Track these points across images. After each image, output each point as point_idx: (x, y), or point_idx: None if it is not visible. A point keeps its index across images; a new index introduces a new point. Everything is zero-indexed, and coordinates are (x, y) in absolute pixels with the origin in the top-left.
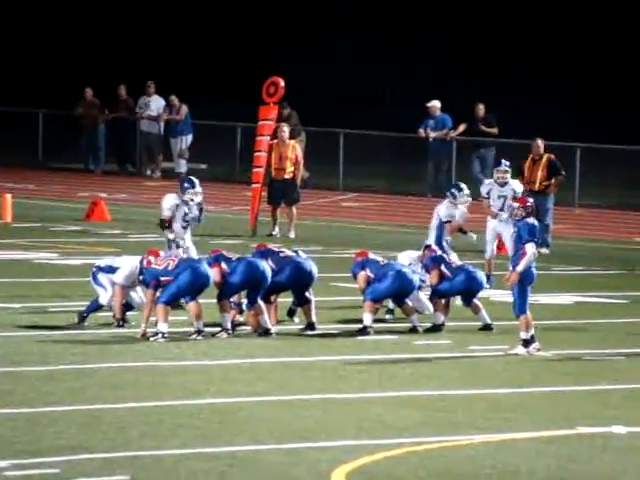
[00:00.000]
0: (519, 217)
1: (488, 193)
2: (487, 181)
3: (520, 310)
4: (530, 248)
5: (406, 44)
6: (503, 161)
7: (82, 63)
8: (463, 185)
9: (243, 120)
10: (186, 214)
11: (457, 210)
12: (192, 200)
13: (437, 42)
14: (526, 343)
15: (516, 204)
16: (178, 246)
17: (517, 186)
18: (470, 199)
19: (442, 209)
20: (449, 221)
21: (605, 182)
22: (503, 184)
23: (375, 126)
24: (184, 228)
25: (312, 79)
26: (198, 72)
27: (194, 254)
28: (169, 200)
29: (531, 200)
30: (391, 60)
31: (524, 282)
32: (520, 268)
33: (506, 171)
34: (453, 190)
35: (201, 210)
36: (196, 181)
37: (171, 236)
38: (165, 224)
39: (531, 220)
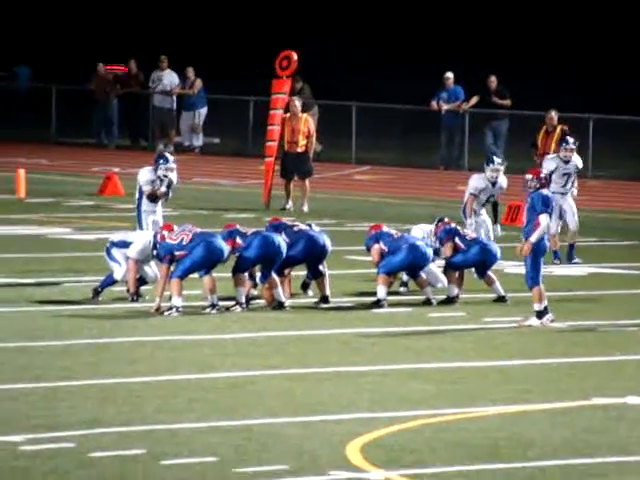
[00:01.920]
0: (533, 189)
1: (553, 170)
2: (551, 156)
3: (533, 282)
4: (544, 219)
5: (419, 17)
6: (495, 158)
7: (94, 38)
8: (495, 157)
9: (256, 94)
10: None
11: (485, 182)
12: (165, 176)
13: (451, 15)
14: (540, 314)
15: (529, 176)
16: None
17: (579, 161)
18: (500, 168)
19: (471, 180)
20: (473, 194)
21: (618, 153)
22: (567, 161)
23: (388, 99)
24: (153, 202)
25: (325, 52)
26: (211, 46)
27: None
28: (144, 174)
29: (545, 171)
30: (404, 33)
31: (537, 253)
32: (534, 239)
33: (572, 149)
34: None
35: (169, 186)
36: (170, 157)
37: (144, 208)
38: (154, 197)
39: (545, 191)
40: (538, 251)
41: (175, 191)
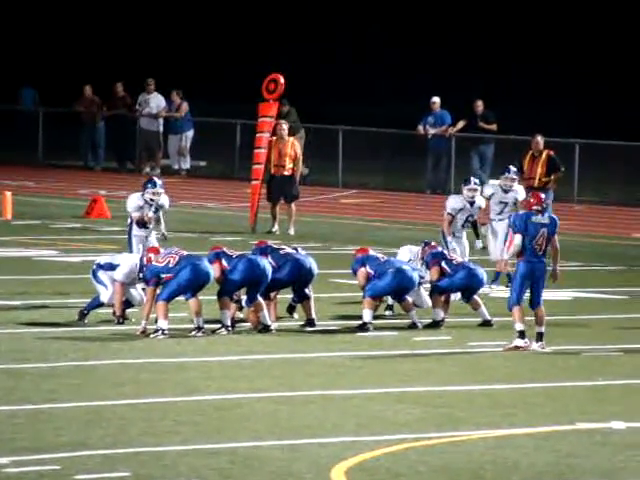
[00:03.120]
0: (527, 208)
1: (490, 196)
2: (493, 182)
3: (511, 302)
4: (517, 238)
5: (406, 40)
6: (511, 167)
7: (81, 60)
8: (472, 177)
9: (242, 117)
10: (157, 210)
11: (463, 202)
12: (152, 200)
13: (437, 39)
14: (522, 334)
15: (533, 199)
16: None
17: (521, 193)
18: (477, 187)
19: (449, 201)
20: (450, 214)
21: (604, 178)
22: (506, 190)
23: (374, 123)
24: (143, 227)
25: (311, 76)
26: (198, 69)
27: None
28: (133, 200)
29: (543, 196)
30: (391, 57)
31: (518, 274)
32: (506, 256)
33: (513, 179)
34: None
35: (157, 210)
36: (158, 182)
37: (143, 233)
38: (141, 224)
39: (526, 212)
40: (523, 273)
41: (167, 215)
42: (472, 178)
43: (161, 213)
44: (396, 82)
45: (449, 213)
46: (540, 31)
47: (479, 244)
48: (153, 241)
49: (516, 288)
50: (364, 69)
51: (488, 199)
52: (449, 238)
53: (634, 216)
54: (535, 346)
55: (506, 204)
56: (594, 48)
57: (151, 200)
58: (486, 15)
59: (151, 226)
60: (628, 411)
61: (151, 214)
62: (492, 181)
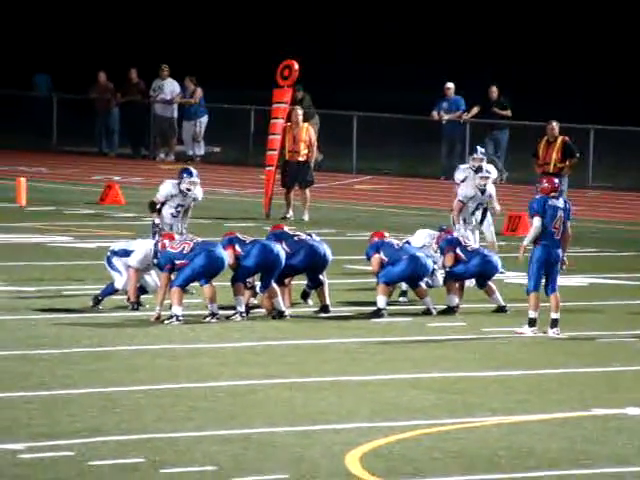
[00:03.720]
0: (543, 193)
1: (463, 180)
2: (463, 167)
3: (528, 288)
4: (535, 222)
5: (422, 27)
6: (479, 148)
7: (96, 47)
8: (483, 166)
9: (257, 103)
10: (179, 205)
11: (474, 190)
12: (189, 190)
13: (453, 25)
14: (532, 322)
15: (548, 184)
16: (160, 232)
17: (492, 172)
18: (489, 175)
19: (460, 188)
20: (461, 201)
21: (618, 164)
22: (478, 170)
23: (389, 109)
24: (174, 217)
25: (326, 63)
26: (212, 55)
27: None
28: (167, 187)
29: (557, 180)
30: (405, 43)
31: (534, 260)
32: (525, 242)
33: (481, 159)
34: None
35: (193, 199)
36: (194, 171)
37: (157, 220)
38: (155, 207)
39: (543, 196)
40: (539, 258)
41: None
42: (483, 166)
43: (190, 207)
44: (411, 68)
45: (460, 200)
46: (557, 20)
47: (483, 228)
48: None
49: (534, 273)
50: (379, 56)
51: (458, 184)
52: (458, 226)
53: None
54: (550, 332)
55: None
56: (607, 37)
57: (187, 190)
58: (501, 2)
59: (179, 215)
60: None
61: (190, 203)
62: (463, 165)
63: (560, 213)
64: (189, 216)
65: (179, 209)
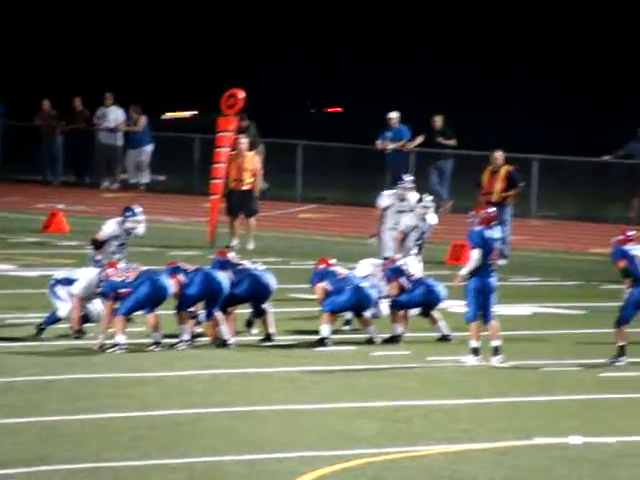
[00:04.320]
0: (473, 225)
1: (386, 207)
2: (387, 193)
3: (469, 317)
4: (474, 254)
5: (364, 57)
6: (404, 176)
7: (40, 75)
8: (423, 196)
9: (202, 132)
10: (122, 243)
11: (414, 219)
12: (133, 228)
13: (395, 53)
14: (475, 351)
15: (486, 215)
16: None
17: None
18: (429, 205)
19: (402, 219)
20: (403, 231)
21: (562, 194)
22: (403, 199)
23: (333, 137)
24: (114, 253)
25: (271, 90)
26: (157, 84)
27: None
28: (110, 226)
29: (493, 210)
30: (349, 72)
31: (473, 289)
32: (463, 272)
33: (408, 187)
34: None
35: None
36: (138, 209)
37: (98, 257)
38: (97, 244)
39: (482, 228)
40: (475, 287)
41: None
42: (424, 196)
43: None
44: (355, 96)
45: (402, 231)
46: (501, 50)
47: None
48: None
49: (472, 302)
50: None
51: (385, 209)
52: (399, 255)
53: (591, 231)
54: (494, 360)
55: (403, 212)
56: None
57: (131, 228)
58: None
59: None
60: (586, 426)
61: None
62: (386, 192)
63: (498, 244)
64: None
65: (121, 247)
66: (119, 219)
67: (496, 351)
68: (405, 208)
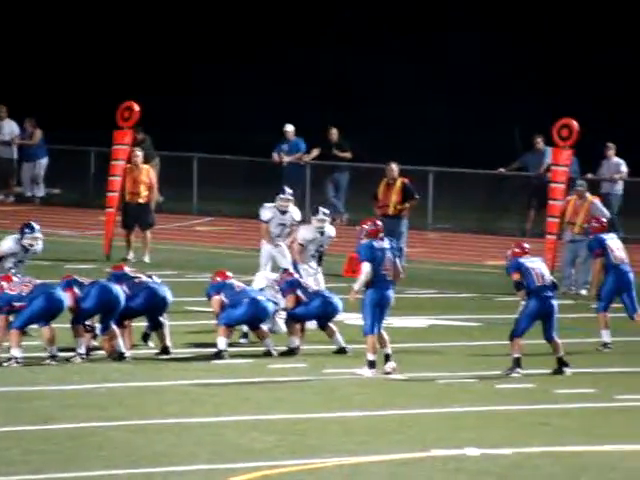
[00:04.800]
0: (369, 237)
1: (268, 220)
2: (269, 205)
3: (365, 330)
4: (365, 267)
5: (258, 70)
6: (286, 188)
7: None
8: (320, 208)
9: (97, 145)
10: (20, 261)
11: (314, 233)
12: (31, 245)
13: (290, 66)
14: (371, 364)
15: (373, 227)
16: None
17: (296, 214)
18: (326, 218)
19: (300, 231)
20: (301, 244)
21: (458, 206)
22: (284, 212)
23: (229, 150)
24: (11, 269)
25: (166, 104)
26: (51, 97)
27: None
28: (8, 243)
29: (379, 222)
30: (243, 85)
31: (369, 302)
32: (356, 286)
33: (288, 199)
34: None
35: (33, 253)
36: (36, 226)
37: None
38: None
39: (370, 240)
40: (371, 300)
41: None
42: (320, 208)
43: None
44: (250, 109)
45: (300, 243)
46: (398, 58)
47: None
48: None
49: (368, 316)
50: (219, 98)
51: (266, 222)
52: (301, 266)
53: (487, 244)
54: (387, 367)
55: (284, 225)
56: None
57: (30, 245)
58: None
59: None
60: (482, 438)
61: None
62: (268, 204)
63: (388, 254)
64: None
65: (18, 264)
66: (17, 236)
67: (388, 358)
68: (286, 221)
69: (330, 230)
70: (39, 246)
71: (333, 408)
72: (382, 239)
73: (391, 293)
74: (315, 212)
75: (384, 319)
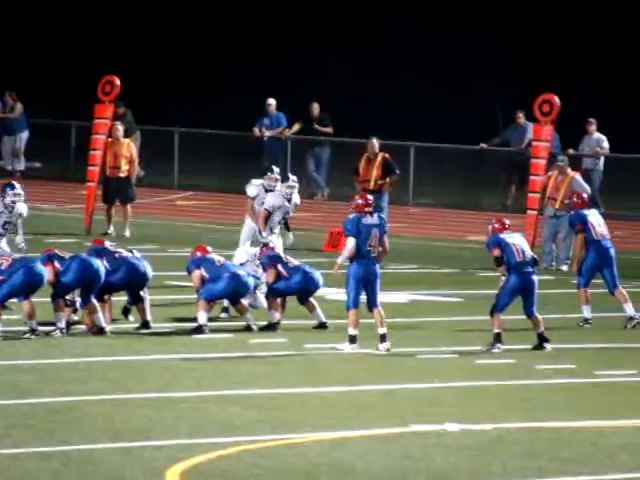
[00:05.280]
0: (357, 211)
1: (255, 196)
2: (256, 182)
3: (347, 304)
4: (349, 242)
5: (245, 39)
6: (274, 167)
7: None
8: (290, 174)
9: (78, 119)
10: (6, 222)
11: (281, 199)
12: (13, 203)
13: (277, 39)
14: (352, 339)
15: (361, 200)
16: None
17: (298, 200)
18: (295, 185)
19: (267, 198)
20: (267, 210)
21: (439, 181)
22: (270, 190)
23: (210, 124)
24: (1, 235)
25: (149, 77)
26: (32, 70)
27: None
28: None
29: (370, 197)
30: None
31: (351, 276)
32: (339, 260)
33: (277, 179)
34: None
35: (19, 215)
36: (17, 185)
37: None
38: None
39: (356, 215)
40: (355, 274)
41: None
42: (290, 175)
43: (19, 222)
44: (232, 83)
45: (266, 209)
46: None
47: (291, 237)
48: (4, 246)
49: (352, 290)
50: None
51: (252, 199)
52: (265, 234)
53: (469, 219)
54: (380, 347)
55: (287, 213)
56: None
57: (12, 203)
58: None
59: (9, 232)
60: (462, 413)
61: (17, 221)
62: (255, 181)
63: (374, 231)
64: (23, 231)
65: (6, 227)
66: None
67: (383, 338)
68: (289, 209)
69: (296, 198)
70: (22, 207)
71: (313, 383)
72: (372, 215)
73: (377, 268)
74: (285, 179)
75: (377, 295)
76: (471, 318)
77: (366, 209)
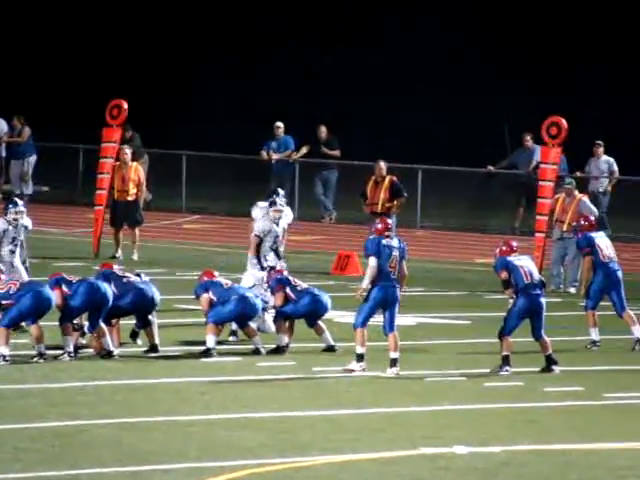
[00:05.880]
0: (377, 234)
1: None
2: (262, 204)
3: (355, 322)
4: (371, 261)
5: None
6: (280, 190)
7: None
8: (277, 199)
9: (86, 142)
10: (14, 239)
11: (270, 224)
12: (16, 220)
13: (280, 63)
14: (359, 358)
15: (381, 224)
16: (1, 271)
17: (288, 215)
18: (282, 209)
19: (257, 223)
20: (258, 235)
21: (446, 204)
22: (277, 222)
23: (217, 148)
24: (12, 253)
25: (154, 101)
26: (40, 94)
27: (24, 275)
28: None
29: (390, 221)
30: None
31: (370, 299)
32: (363, 284)
33: (281, 211)
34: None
35: (25, 228)
36: (19, 201)
37: (8, 259)
38: None
39: (377, 236)
40: (374, 297)
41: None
42: (278, 200)
43: (24, 237)
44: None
45: (257, 235)
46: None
47: (284, 265)
48: (18, 265)
49: (365, 311)
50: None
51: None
52: (255, 261)
53: (476, 241)
54: (388, 372)
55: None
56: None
57: (14, 220)
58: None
59: (17, 249)
60: (471, 436)
61: (22, 234)
62: (261, 203)
63: (395, 252)
64: (26, 249)
65: (16, 243)
66: (3, 217)
67: (394, 363)
68: (279, 233)
69: (284, 222)
70: (26, 220)
71: (322, 406)
72: (391, 238)
73: (397, 291)
74: (272, 203)
75: (394, 319)
76: (479, 341)
77: (386, 233)
